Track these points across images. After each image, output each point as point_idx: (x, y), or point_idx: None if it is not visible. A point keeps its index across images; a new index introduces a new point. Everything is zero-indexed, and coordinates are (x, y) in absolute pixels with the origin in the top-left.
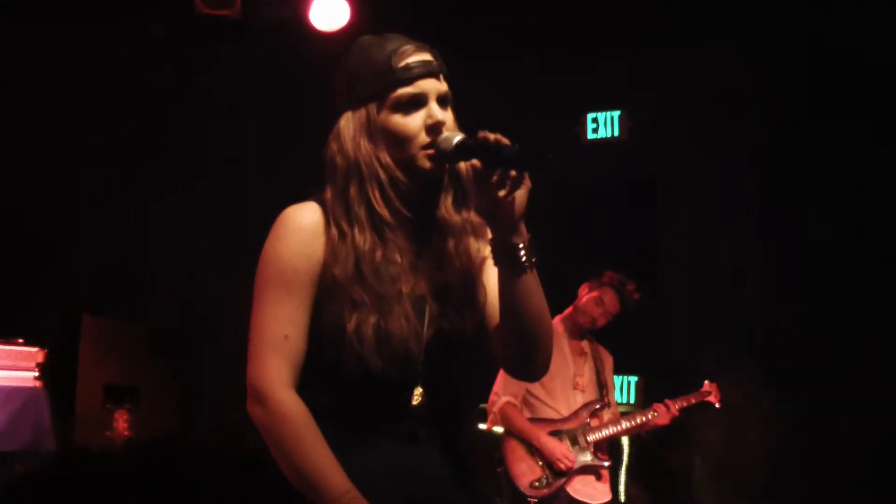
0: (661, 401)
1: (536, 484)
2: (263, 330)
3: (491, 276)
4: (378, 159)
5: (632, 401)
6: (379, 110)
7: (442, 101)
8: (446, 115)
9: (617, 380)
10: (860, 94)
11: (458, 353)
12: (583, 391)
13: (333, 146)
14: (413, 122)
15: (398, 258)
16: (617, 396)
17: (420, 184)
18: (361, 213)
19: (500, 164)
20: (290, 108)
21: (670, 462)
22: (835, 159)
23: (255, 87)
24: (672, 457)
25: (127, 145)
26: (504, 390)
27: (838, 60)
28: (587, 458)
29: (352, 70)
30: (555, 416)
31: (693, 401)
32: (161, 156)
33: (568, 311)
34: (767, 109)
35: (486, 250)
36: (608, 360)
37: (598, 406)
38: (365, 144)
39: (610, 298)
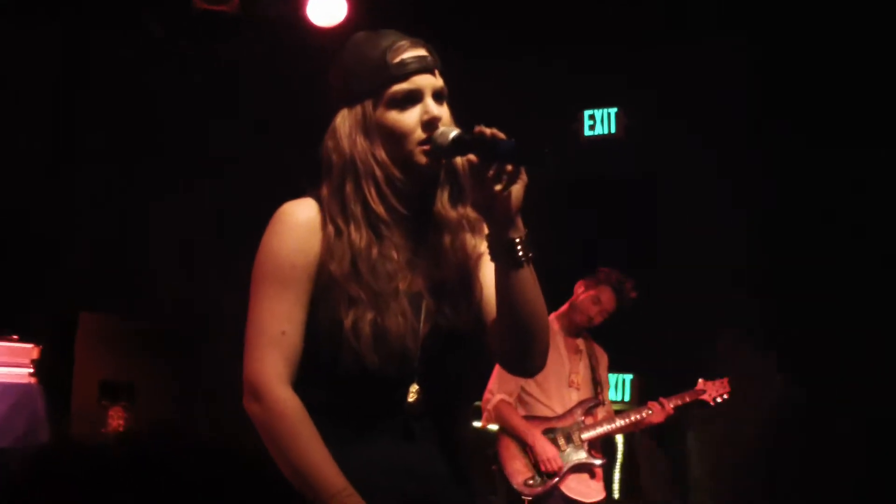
0: (656, 399)
1: (531, 482)
2: (260, 326)
3: (488, 271)
4: (374, 156)
5: (627, 399)
6: (375, 107)
7: (438, 96)
8: (442, 111)
9: (612, 378)
10: (860, 94)
11: (454, 349)
12: (578, 389)
13: (329, 143)
14: (409, 118)
15: (394, 255)
16: (612, 394)
17: (416, 180)
18: (357, 210)
19: (496, 158)
20: (289, 105)
21: (666, 460)
22: (835, 159)
23: (253, 83)
24: (667, 455)
25: (127, 145)
26: (499, 388)
27: (838, 60)
28: (581, 455)
29: (347, 67)
30: (549, 413)
31: (688, 399)
32: (161, 156)
33: (564, 308)
34: (767, 109)
35: (483, 246)
36: (603, 358)
37: (592, 404)
38: (361, 141)
39: (607, 296)
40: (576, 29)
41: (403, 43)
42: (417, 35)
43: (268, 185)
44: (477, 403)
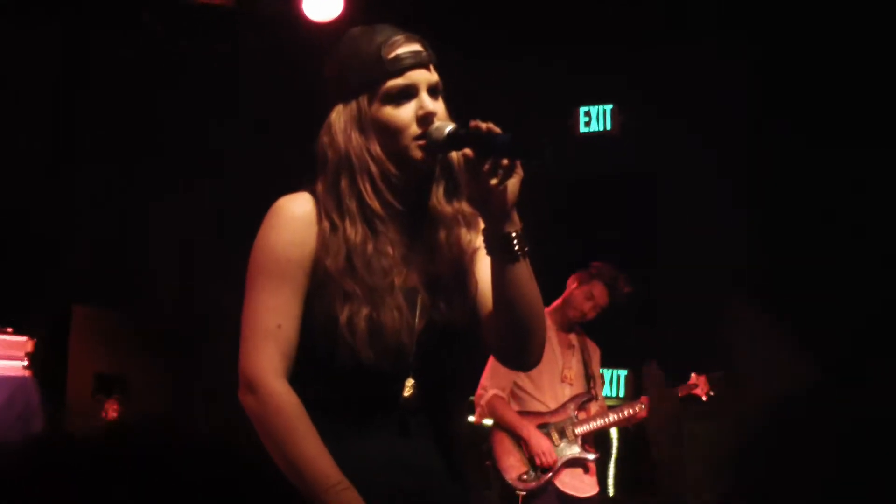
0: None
1: (525, 477)
2: (256, 319)
3: (483, 266)
4: (369, 151)
5: (621, 394)
6: (370, 102)
7: (433, 91)
8: (437, 106)
9: (607, 373)
10: (860, 94)
11: (450, 344)
12: (571, 384)
13: (324, 139)
14: (404, 114)
15: (390, 250)
16: (607, 390)
17: (412, 175)
18: (353, 205)
19: (492, 152)
20: (288, 103)
21: (659, 455)
22: (835, 159)
23: (252, 81)
24: (661, 450)
25: (127, 145)
26: (491, 383)
27: (838, 60)
28: (575, 450)
29: (341, 62)
30: (542, 409)
31: (680, 394)
32: (161, 156)
33: (557, 303)
34: (767, 109)
35: (479, 240)
36: (595, 353)
37: (585, 399)
38: (356, 137)
39: (599, 291)
40: (576, 29)
41: (398, 38)
42: (416, 33)
43: (267, 184)
44: (471, 399)
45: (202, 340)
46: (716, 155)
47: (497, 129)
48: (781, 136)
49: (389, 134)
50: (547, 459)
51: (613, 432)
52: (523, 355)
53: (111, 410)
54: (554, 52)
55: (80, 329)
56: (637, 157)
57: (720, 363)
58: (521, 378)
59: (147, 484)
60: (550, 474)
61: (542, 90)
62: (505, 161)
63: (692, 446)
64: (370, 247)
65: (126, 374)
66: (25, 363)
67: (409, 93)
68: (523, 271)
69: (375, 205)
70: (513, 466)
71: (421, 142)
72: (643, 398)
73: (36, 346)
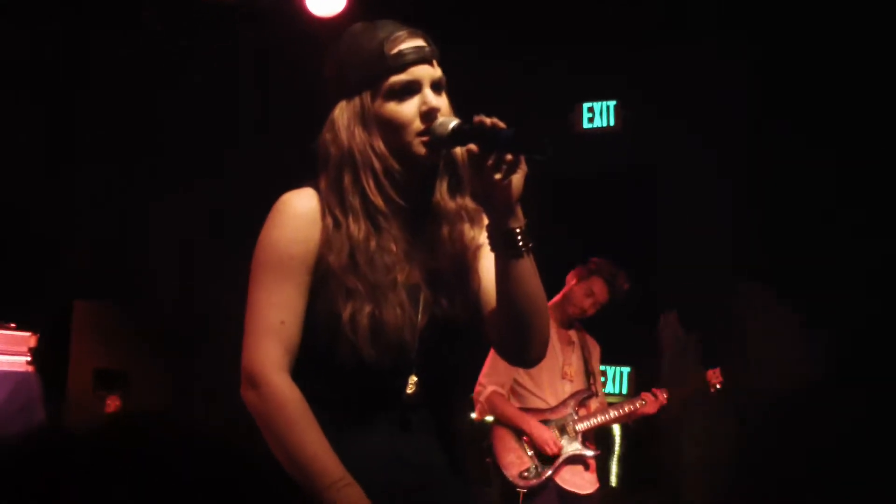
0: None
1: (525, 474)
2: (259, 315)
3: (487, 262)
4: (372, 148)
5: (624, 391)
6: (373, 98)
7: (436, 86)
8: (441, 101)
9: (609, 370)
10: (860, 94)
11: (452, 340)
12: (571, 381)
13: (327, 136)
14: (407, 109)
15: (393, 247)
16: (610, 387)
17: (415, 171)
18: (356, 202)
19: (496, 147)
20: (288, 102)
21: (660, 451)
22: (835, 159)
23: (252, 79)
24: (662, 446)
25: (127, 145)
26: (489, 379)
27: (838, 60)
28: (576, 447)
29: (344, 58)
30: (542, 405)
31: (693, 386)
32: (161, 156)
33: (556, 299)
34: (767, 109)
35: (482, 237)
36: (595, 349)
37: (585, 395)
38: (359, 133)
39: (599, 288)
40: (576, 28)
41: (401, 33)
42: (412, 21)
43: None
44: (471, 395)
45: (202, 340)
46: (716, 154)
47: (501, 124)
48: (781, 136)
49: (393, 130)
50: (551, 448)
51: (616, 429)
52: (526, 351)
53: (112, 406)
54: (554, 52)
55: (80, 325)
56: (637, 156)
57: (720, 361)
58: (521, 375)
59: (147, 484)
60: (551, 471)
61: (543, 90)
62: (509, 156)
63: (692, 446)
64: (373, 243)
65: (127, 371)
66: (28, 358)
67: (412, 88)
68: (527, 267)
69: (378, 201)
70: (513, 463)
71: (424, 137)
72: (643, 394)
73: (38, 342)
